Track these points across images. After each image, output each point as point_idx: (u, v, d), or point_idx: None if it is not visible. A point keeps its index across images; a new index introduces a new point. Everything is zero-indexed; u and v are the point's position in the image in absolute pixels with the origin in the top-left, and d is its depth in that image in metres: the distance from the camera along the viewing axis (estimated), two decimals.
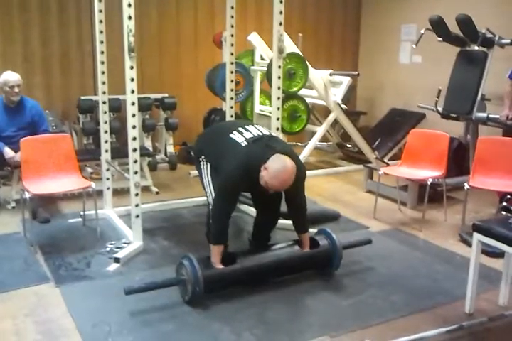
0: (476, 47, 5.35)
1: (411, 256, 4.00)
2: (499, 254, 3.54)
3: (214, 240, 3.25)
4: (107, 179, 4.65)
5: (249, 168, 3.12)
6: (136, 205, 3.86)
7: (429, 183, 4.48)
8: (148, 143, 6.44)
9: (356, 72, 6.65)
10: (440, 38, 5.53)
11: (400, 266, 3.81)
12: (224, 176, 3.24)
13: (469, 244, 3.64)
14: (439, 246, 4.18)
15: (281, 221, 3.88)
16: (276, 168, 3.03)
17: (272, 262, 3.40)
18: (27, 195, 3.95)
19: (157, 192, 5.42)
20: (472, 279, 3.06)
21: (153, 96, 6.49)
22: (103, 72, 4.42)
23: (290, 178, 3.09)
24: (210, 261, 3.21)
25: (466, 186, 4.28)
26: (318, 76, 6.11)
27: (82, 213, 4.42)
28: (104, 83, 4.46)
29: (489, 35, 5.28)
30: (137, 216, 3.88)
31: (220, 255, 3.21)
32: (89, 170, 5.74)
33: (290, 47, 5.80)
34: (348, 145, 6.94)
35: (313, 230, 3.77)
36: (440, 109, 5.54)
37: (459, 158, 5.49)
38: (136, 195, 3.84)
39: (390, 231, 4.51)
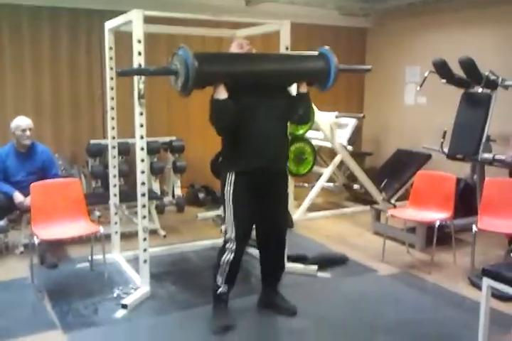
0: (480, 89, 5.41)
1: (420, 301, 3.96)
2: (511, 298, 3.51)
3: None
4: (115, 223, 4.68)
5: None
6: (144, 250, 3.87)
7: (437, 225, 4.47)
8: (156, 186, 6.48)
9: (362, 115, 6.74)
10: (444, 80, 5.60)
11: (410, 311, 3.77)
12: None
13: (479, 288, 3.57)
14: (448, 289, 4.14)
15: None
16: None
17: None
18: (36, 240, 3.97)
19: (164, 236, 5.42)
20: (483, 324, 3.01)
21: (161, 139, 6.56)
22: (113, 118, 4.51)
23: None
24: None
25: (474, 228, 4.27)
26: (324, 118, 6.18)
27: (89, 258, 4.42)
28: (113, 128, 4.54)
29: (493, 77, 5.34)
30: (145, 261, 3.88)
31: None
32: (98, 213, 5.75)
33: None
34: (355, 187, 6.95)
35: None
36: (446, 150, 5.57)
37: (466, 199, 5.47)
38: (144, 239, 3.85)
39: (399, 274, 4.48)
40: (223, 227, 3.68)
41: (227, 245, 3.42)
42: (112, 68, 4.46)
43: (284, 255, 3.81)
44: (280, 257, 3.75)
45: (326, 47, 3.62)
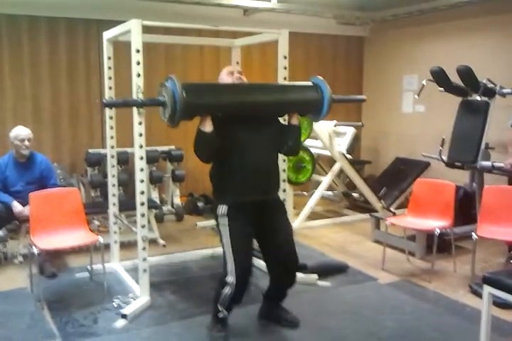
0: (478, 97, 5.43)
1: (421, 309, 3.94)
2: (511, 306, 3.49)
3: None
4: (115, 232, 4.67)
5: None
6: (144, 259, 3.85)
7: (436, 233, 4.46)
8: (155, 195, 6.48)
9: (360, 123, 6.76)
10: (442, 88, 5.62)
11: (411, 318, 3.75)
12: None
13: (480, 295, 3.57)
14: (449, 297, 4.12)
15: None
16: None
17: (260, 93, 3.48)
18: (35, 250, 3.96)
19: (164, 245, 5.40)
20: (484, 332, 3.00)
21: (160, 148, 6.57)
22: (111, 127, 4.52)
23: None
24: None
25: (474, 236, 4.26)
26: (323, 127, 6.19)
27: (89, 267, 4.41)
28: (112, 138, 4.54)
29: (490, 85, 5.36)
30: (144, 270, 3.87)
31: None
32: (97, 223, 5.75)
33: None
34: (354, 195, 6.95)
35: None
36: (445, 158, 5.58)
37: (465, 207, 5.47)
38: (144, 249, 3.84)
39: (400, 282, 4.46)
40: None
41: (227, 279, 3.25)
42: (110, 78, 4.48)
43: (295, 277, 3.57)
44: (293, 281, 3.56)
45: (320, 77, 3.54)
